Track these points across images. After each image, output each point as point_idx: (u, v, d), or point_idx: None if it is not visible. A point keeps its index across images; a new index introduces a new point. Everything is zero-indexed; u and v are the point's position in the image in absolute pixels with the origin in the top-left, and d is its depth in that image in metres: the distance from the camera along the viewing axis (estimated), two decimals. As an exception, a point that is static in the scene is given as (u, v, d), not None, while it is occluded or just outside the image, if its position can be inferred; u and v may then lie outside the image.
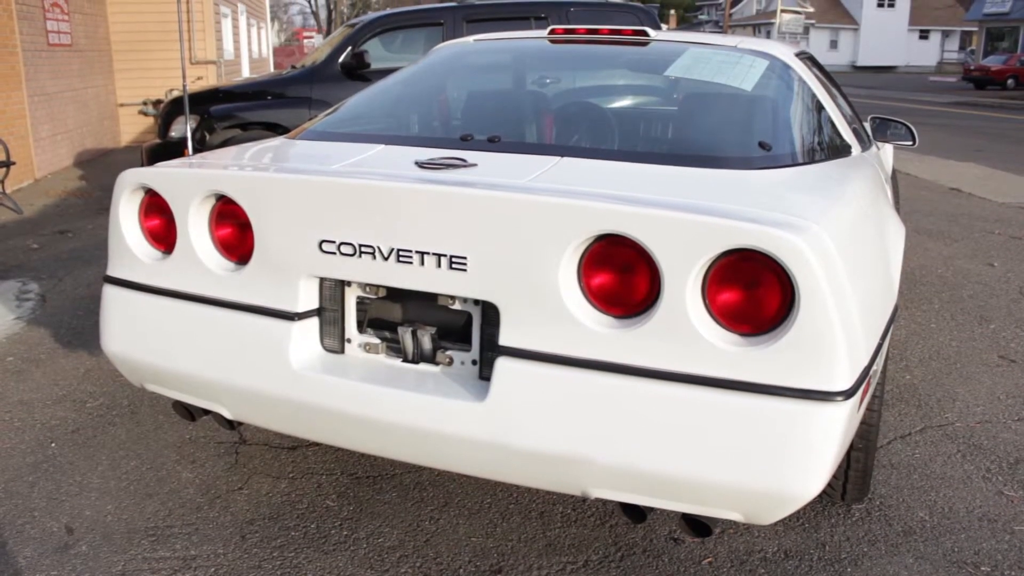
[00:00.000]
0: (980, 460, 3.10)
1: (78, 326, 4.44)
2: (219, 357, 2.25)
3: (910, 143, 4.20)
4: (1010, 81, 31.95)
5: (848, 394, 1.78)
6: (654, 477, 1.86)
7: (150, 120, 12.78)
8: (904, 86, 34.87)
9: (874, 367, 2.00)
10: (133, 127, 12.97)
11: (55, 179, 9.53)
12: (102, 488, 2.84)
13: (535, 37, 3.42)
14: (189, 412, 2.51)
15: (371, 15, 7.42)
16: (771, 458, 1.78)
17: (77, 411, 3.43)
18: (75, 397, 3.56)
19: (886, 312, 2.18)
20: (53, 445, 3.14)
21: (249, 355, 2.20)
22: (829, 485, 2.64)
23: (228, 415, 2.34)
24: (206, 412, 2.47)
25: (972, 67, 34.40)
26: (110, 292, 2.45)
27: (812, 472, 1.79)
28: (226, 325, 2.24)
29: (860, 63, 53.90)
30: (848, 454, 2.57)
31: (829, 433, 1.78)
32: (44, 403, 3.50)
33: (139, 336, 2.39)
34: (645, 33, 3.22)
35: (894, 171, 5.13)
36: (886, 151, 4.50)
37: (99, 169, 10.37)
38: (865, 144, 3.35)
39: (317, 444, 3.13)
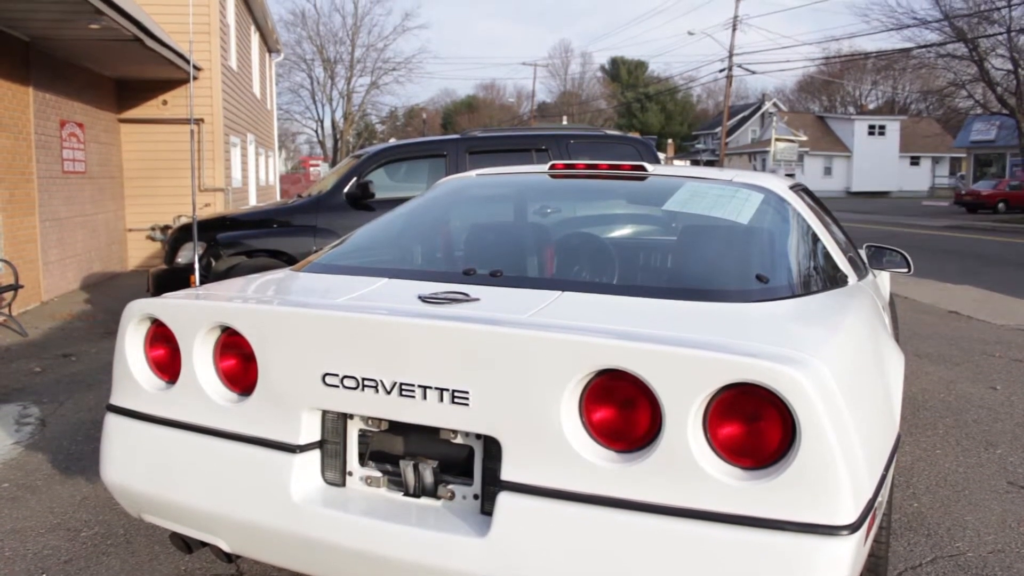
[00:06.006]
0: (994, 594, 3.02)
1: (76, 452, 4.41)
2: (219, 489, 2.23)
3: (905, 270, 4.26)
4: (1001, 205, 32.54)
5: (853, 527, 1.76)
6: (659, 616, 1.82)
7: (157, 245, 13.01)
8: (898, 211, 35.53)
9: (879, 498, 1.98)
10: (140, 251, 13.20)
11: (61, 302, 9.63)
12: (93, 624, 2.77)
13: (536, 172, 3.53)
14: (186, 544, 2.47)
15: (376, 146, 7.66)
16: (778, 595, 1.75)
17: (71, 540, 3.37)
18: (70, 525, 3.50)
19: (889, 442, 2.18)
20: (45, 578, 3.07)
21: (250, 487, 2.19)
22: (839, 622, 2.57)
23: (226, 548, 2.30)
24: (204, 544, 2.43)
25: (963, 192, 35.06)
26: (112, 421, 2.46)
27: (820, 609, 1.75)
28: (227, 457, 2.23)
29: (854, 189, 55.08)
30: (857, 589, 2.51)
31: (835, 568, 1.75)
32: (37, 532, 3.44)
33: (139, 466, 2.38)
34: (643, 168, 3.32)
35: (892, 297, 5.18)
36: (883, 278, 4.56)
37: (105, 293, 10.48)
38: (861, 272, 3.40)
39: (315, 577, 3.05)
